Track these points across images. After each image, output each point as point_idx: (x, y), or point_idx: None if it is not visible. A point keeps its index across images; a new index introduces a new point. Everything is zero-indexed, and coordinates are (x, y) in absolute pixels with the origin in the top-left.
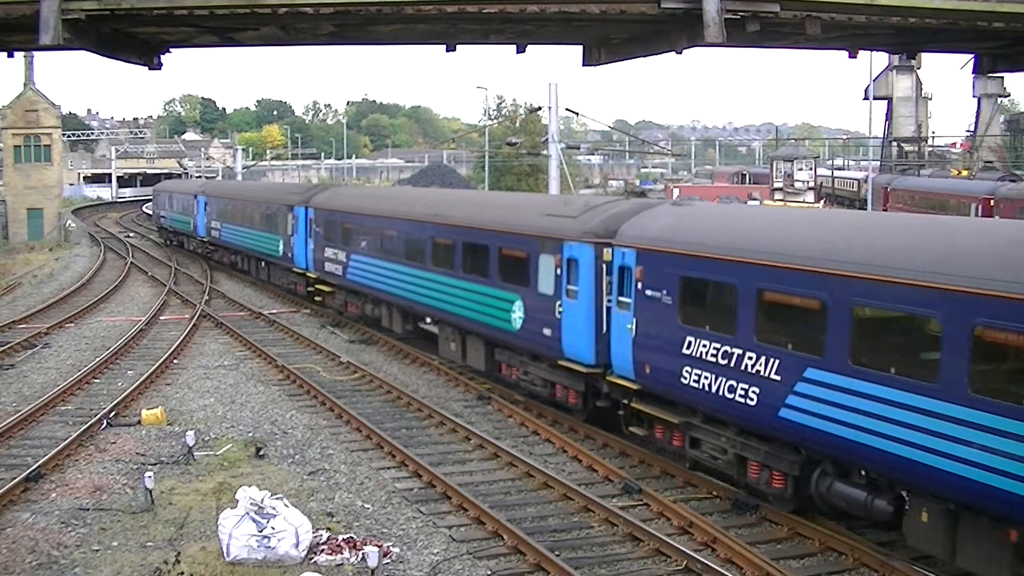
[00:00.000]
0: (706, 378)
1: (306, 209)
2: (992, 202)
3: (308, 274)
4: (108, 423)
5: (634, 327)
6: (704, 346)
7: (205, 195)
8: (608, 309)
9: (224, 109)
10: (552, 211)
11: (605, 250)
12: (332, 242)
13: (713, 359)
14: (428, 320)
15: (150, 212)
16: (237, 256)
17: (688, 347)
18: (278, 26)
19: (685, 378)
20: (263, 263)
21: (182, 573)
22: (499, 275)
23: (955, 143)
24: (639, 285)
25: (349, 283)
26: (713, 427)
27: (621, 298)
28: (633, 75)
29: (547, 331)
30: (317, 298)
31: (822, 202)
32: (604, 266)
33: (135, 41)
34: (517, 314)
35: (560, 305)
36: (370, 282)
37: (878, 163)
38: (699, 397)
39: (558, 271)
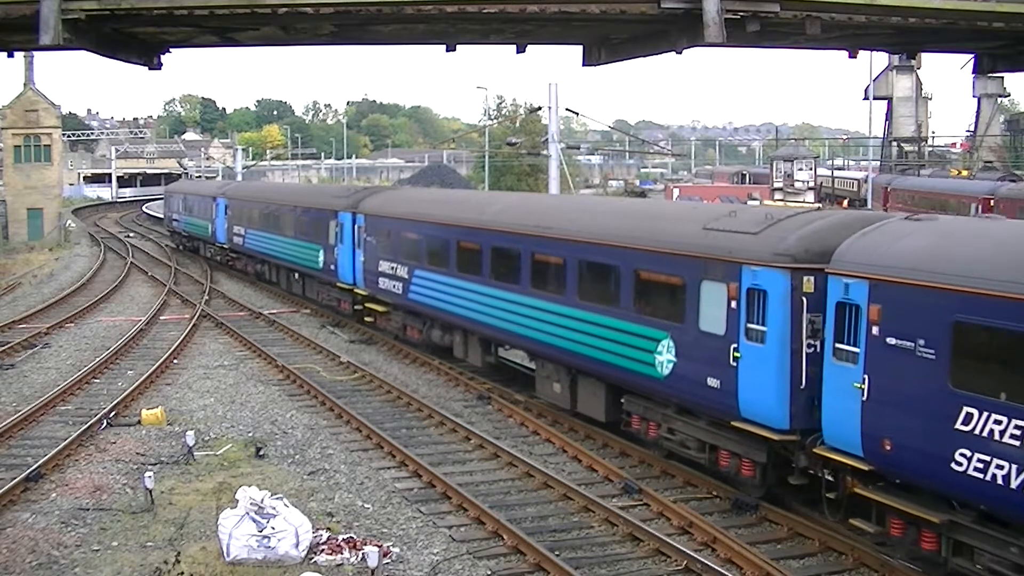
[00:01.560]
0: (998, 466)
1: (354, 215)
2: (992, 202)
3: (357, 290)
4: (108, 423)
5: (865, 386)
6: (997, 422)
7: (226, 197)
8: (809, 357)
9: (224, 109)
10: (718, 224)
11: (806, 279)
12: (389, 254)
13: (1013, 440)
14: (522, 354)
15: (150, 212)
16: (265, 266)
17: (966, 421)
18: (278, 26)
19: (959, 464)
20: (297, 275)
21: (182, 573)
22: (636, 305)
23: (955, 143)
24: (875, 330)
25: (411, 303)
26: (997, 531)
27: (841, 346)
28: (633, 75)
29: (714, 381)
30: (368, 318)
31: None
32: (804, 300)
33: (135, 41)
34: (664, 356)
35: (736, 349)
36: (440, 303)
37: (878, 163)
38: (981, 490)
39: (732, 304)
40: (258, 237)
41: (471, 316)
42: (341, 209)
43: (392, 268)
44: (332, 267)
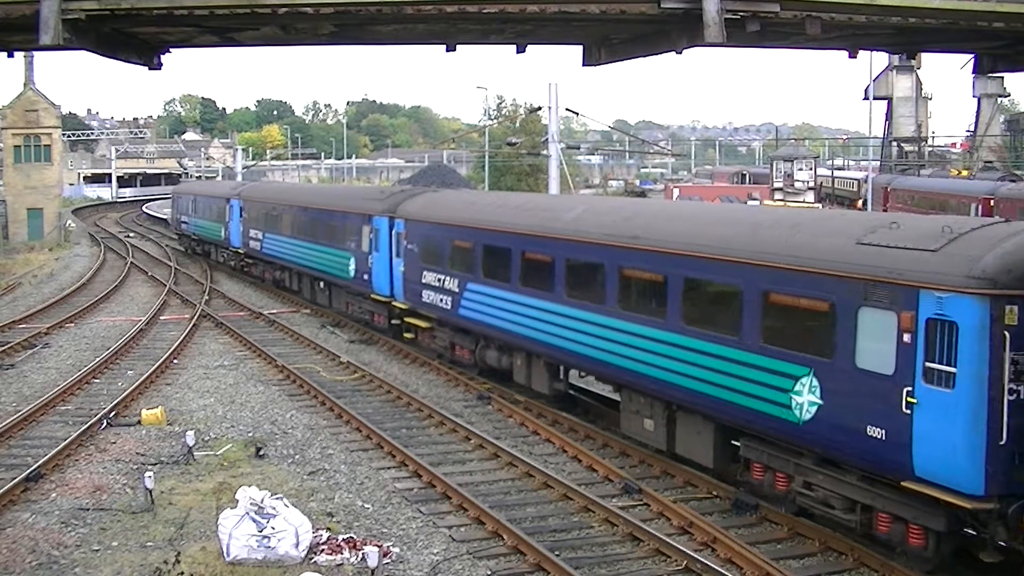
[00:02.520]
0: None
1: (391, 220)
2: (992, 202)
3: (395, 303)
4: (108, 423)
5: None
6: None
7: (242, 199)
8: (1012, 405)
9: (224, 109)
10: (877, 237)
11: (1009, 308)
12: (436, 264)
13: None
14: (600, 383)
15: (151, 212)
16: (285, 273)
17: None
18: (278, 26)
19: None
20: (323, 284)
21: (182, 573)
22: (765, 333)
23: (955, 143)
24: None
25: (462, 319)
26: None
27: None
28: (633, 75)
29: (876, 431)
30: (408, 335)
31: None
32: (1007, 335)
33: (135, 41)
34: (804, 397)
35: (911, 394)
36: (499, 321)
37: (878, 163)
38: None
39: (905, 338)
40: (278, 242)
41: (538, 337)
42: (376, 213)
43: (439, 280)
44: (365, 277)
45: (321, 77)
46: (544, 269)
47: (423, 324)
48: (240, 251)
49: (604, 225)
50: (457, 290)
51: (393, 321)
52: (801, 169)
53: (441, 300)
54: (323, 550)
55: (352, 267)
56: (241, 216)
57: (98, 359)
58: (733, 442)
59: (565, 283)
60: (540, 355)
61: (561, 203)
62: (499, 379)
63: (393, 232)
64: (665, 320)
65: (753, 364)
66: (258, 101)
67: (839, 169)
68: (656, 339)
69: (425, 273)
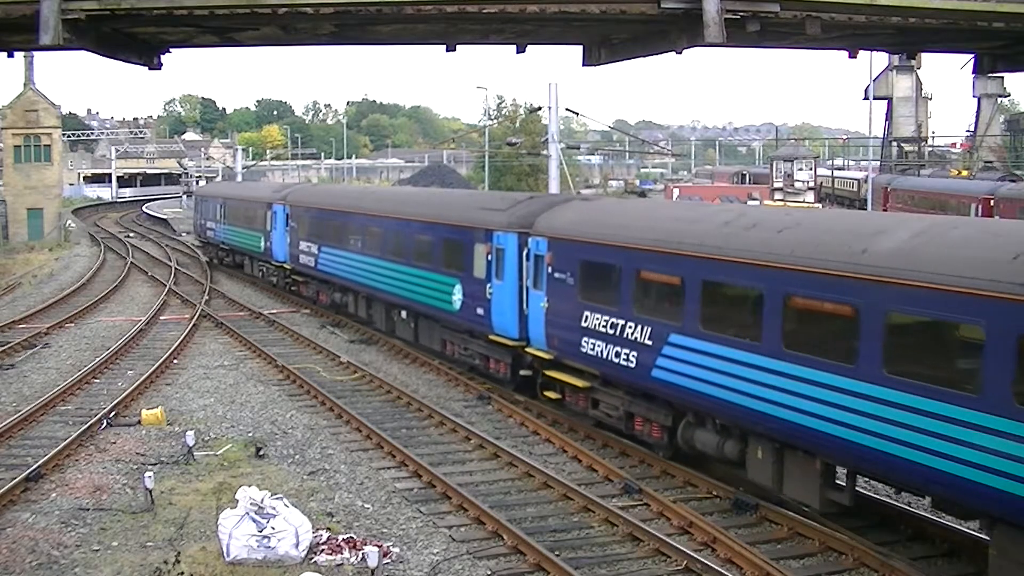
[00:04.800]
0: None
1: (523, 237)
2: (992, 202)
3: (530, 351)
4: (108, 423)
5: None
6: None
7: (289, 204)
8: None
9: (224, 109)
10: None
11: None
12: (607, 304)
13: None
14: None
15: (151, 212)
16: (349, 296)
17: None
18: (278, 26)
19: None
20: (406, 314)
21: (182, 573)
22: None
23: (955, 143)
24: None
25: (654, 383)
26: None
27: None
28: (633, 75)
29: None
30: (550, 393)
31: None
32: None
33: (135, 41)
34: None
35: None
36: (727, 392)
37: (878, 163)
38: None
39: None
40: (341, 258)
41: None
42: (499, 228)
43: (611, 325)
44: (479, 312)
45: (321, 77)
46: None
47: (577, 382)
48: (286, 266)
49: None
50: (649, 342)
51: (522, 372)
52: (801, 169)
53: (616, 353)
54: (323, 550)
55: (458, 297)
56: (288, 225)
57: (98, 359)
58: None
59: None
60: (813, 450)
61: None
62: (699, 465)
63: (529, 254)
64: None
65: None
66: (258, 101)
67: (839, 169)
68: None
69: (587, 314)
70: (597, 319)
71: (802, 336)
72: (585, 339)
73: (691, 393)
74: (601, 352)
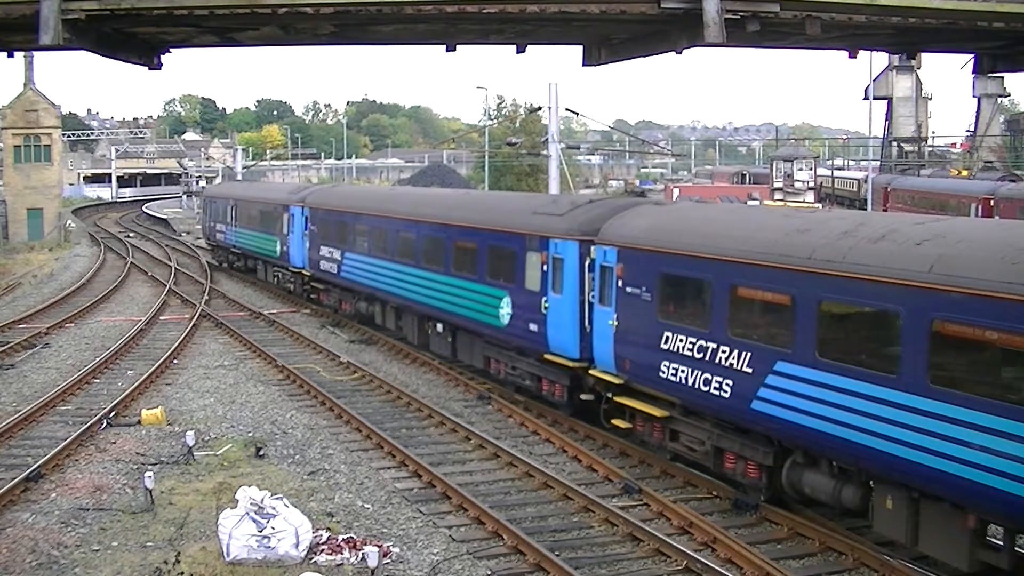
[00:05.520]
0: None
1: (584, 245)
2: (992, 202)
3: (596, 373)
4: (108, 423)
5: None
6: None
7: (308, 206)
8: None
9: (224, 109)
10: None
11: None
12: (691, 325)
13: None
14: None
15: (150, 212)
16: (376, 306)
17: None
18: (278, 26)
19: None
20: (442, 327)
21: (182, 573)
22: None
23: (955, 143)
24: None
25: (760, 418)
26: None
27: None
28: (633, 75)
29: None
30: (619, 422)
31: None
32: None
33: (135, 41)
34: None
35: None
36: (880, 442)
37: (878, 163)
38: None
39: None
40: (369, 266)
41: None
42: (557, 235)
43: (700, 348)
44: (532, 328)
45: (321, 77)
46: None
47: (653, 411)
48: (304, 272)
49: None
50: (748, 369)
51: (582, 396)
52: (801, 169)
53: (705, 380)
54: (323, 550)
55: (506, 311)
56: (307, 228)
57: (98, 359)
58: None
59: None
60: (964, 503)
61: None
62: (699, 465)
63: (593, 265)
64: None
65: None
66: (258, 101)
67: (839, 169)
68: None
69: (668, 335)
70: (681, 341)
71: (955, 370)
72: (665, 363)
73: (802, 430)
74: (685, 378)
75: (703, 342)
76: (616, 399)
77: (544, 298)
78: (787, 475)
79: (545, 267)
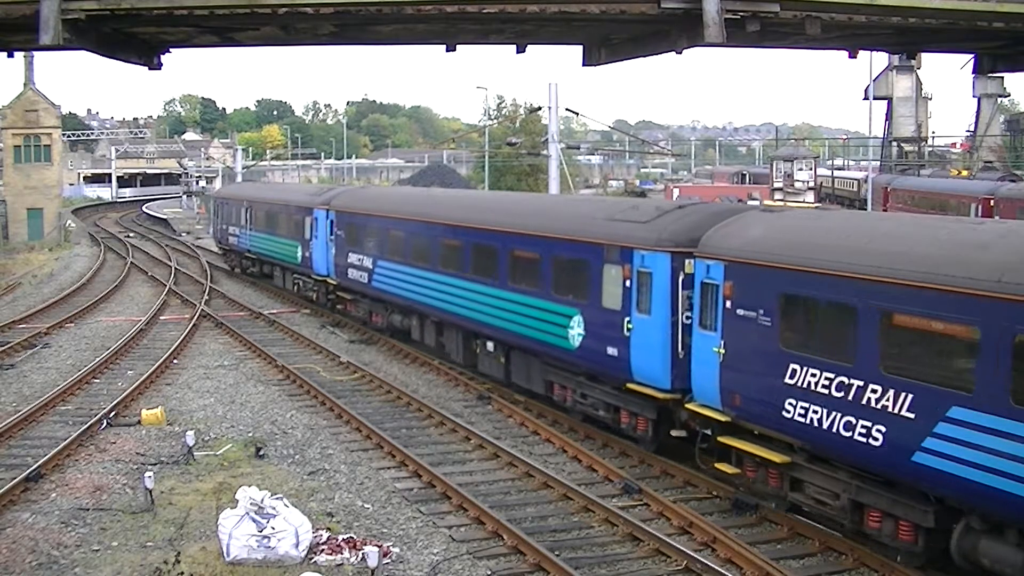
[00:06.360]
0: None
1: (678, 258)
2: (992, 202)
3: (698, 408)
4: (108, 423)
5: None
6: None
7: (335, 209)
8: None
9: (224, 109)
10: None
11: None
12: (811, 355)
13: None
14: None
15: (150, 212)
16: (412, 319)
17: None
18: (278, 26)
19: None
20: (493, 345)
21: (182, 573)
22: None
23: (955, 143)
24: None
25: (923, 472)
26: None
27: None
28: (633, 75)
29: None
30: (726, 467)
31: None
32: None
33: (135, 41)
34: None
35: None
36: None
37: (878, 163)
38: None
39: None
40: (406, 276)
41: None
42: (643, 246)
43: (845, 387)
44: (613, 353)
45: (321, 77)
46: None
47: (772, 456)
48: (329, 281)
49: None
50: (909, 414)
51: (673, 433)
52: (801, 169)
53: (847, 424)
54: (323, 550)
55: (577, 331)
56: (333, 233)
57: (98, 359)
58: None
59: None
60: None
61: None
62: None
63: (690, 282)
64: None
65: None
66: (258, 101)
67: (839, 169)
68: None
69: (794, 367)
70: (813, 375)
71: None
72: (790, 400)
73: (984, 490)
74: (817, 419)
75: (845, 378)
76: (723, 440)
77: (627, 318)
78: (958, 542)
79: (628, 282)
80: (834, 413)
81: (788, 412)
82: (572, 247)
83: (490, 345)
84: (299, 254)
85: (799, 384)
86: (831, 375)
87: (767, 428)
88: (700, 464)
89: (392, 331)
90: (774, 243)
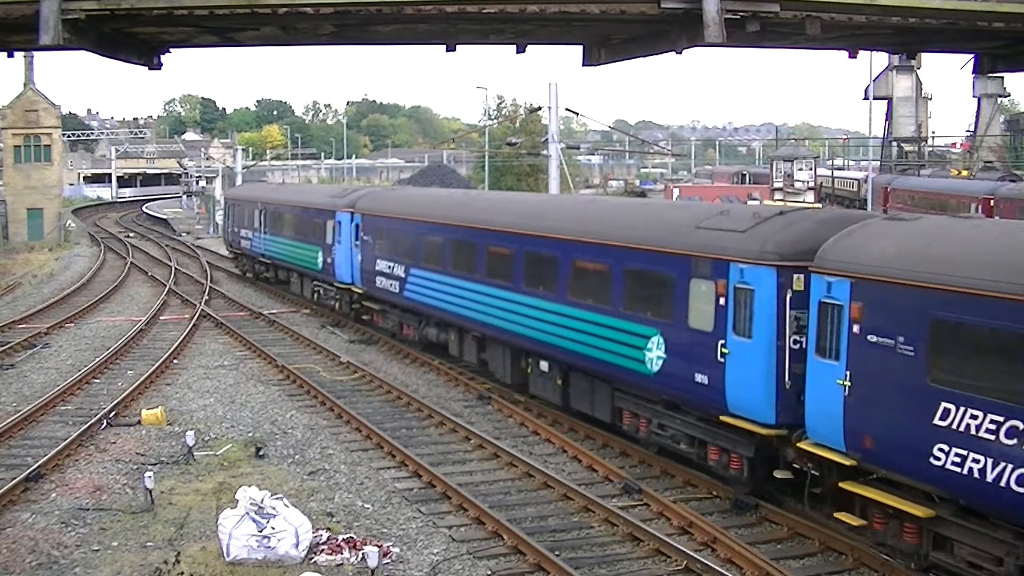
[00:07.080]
0: None
1: (782, 273)
2: (992, 202)
3: (813, 448)
4: (108, 423)
5: None
6: None
7: (360, 213)
8: None
9: (224, 109)
10: None
11: None
12: (968, 392)
13: None
14: None
15: (150, 212)
16: (451, 333)
17: None
18: (278, 26)
19: None
20: (548, 366)
21: (182, 573)
22: None
23: (955, 143)
24: None
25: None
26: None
27: None
28: (633, 75)
29: None
30: (845, 516)
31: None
32: None
33: (135, 41)
34: None
35: None
36: None
37: (878, 163)
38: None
39: None
40: (444, 286)
41: None
42: (741, 259)
43: (1017, 432)
44: (702, 380)
45: (321, 77)
46: None
47: (912, 508)
48: (354, 289)
49: None
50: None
51: (777, 474)
52: (801, 169)
53: (1020, 478)
54: (323, 550)
55: (657, 354)
56: (358, 238)
57: (98, 359)
58: None
59: None
60: None
61: None
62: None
63: (802, 301)
64: None
65: None
66: (258, 101)
67: (839, 169)
68: None
69: (947, 407)
70: (974, 417)
71: None
72: (941, 445)
73: None
74: (978, 469)
75: (1020, 423)
76: (846, 487)
77: (721, 341)
78: None
79: (722, 300)
80: (1003, 463)
81: (938, 459)
82: (650, 258)
83: (544, 365)
84: (319, 260)
85: (954, 426)
86: (999, 418)
87: (909, 477)
88: (808, 509)
89: (425, 345)
90: (921, 258)
